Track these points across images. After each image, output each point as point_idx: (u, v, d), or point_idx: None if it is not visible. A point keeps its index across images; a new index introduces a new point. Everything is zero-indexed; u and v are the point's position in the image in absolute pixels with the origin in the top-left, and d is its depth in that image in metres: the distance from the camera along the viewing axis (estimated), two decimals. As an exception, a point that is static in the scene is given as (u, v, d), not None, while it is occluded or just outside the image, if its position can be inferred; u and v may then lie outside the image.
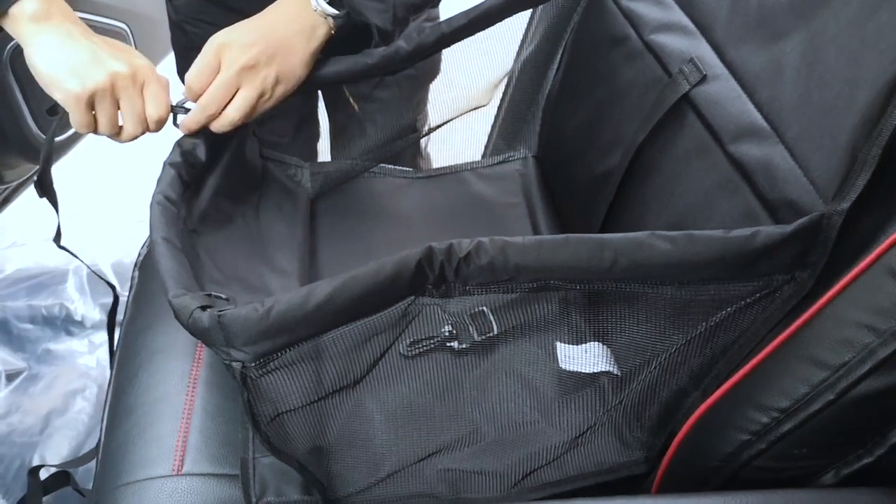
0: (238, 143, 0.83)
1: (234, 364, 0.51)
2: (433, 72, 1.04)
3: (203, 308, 0.51)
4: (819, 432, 0.55)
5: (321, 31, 0.76)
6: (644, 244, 0.54)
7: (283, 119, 1.00)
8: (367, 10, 0.76)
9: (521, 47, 0.96)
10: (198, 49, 0.75)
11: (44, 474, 0.94)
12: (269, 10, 0.76)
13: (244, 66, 0.72)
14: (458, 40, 0.82)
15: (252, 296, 0.65)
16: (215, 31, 0.86)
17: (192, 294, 0.52)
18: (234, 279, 0.73)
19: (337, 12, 0.75)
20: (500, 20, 0.81)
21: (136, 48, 1.25)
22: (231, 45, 0.73)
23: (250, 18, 0.76)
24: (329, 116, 1.10)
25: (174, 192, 0.70)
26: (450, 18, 0.80)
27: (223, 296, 0.53)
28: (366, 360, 0.60)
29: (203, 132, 0.75)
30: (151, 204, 0.68)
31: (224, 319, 0.49)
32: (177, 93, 0.76)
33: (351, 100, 1.00)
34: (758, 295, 0.57)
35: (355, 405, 0.67)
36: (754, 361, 0.57)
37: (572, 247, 0.54)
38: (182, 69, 1.04)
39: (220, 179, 0.79)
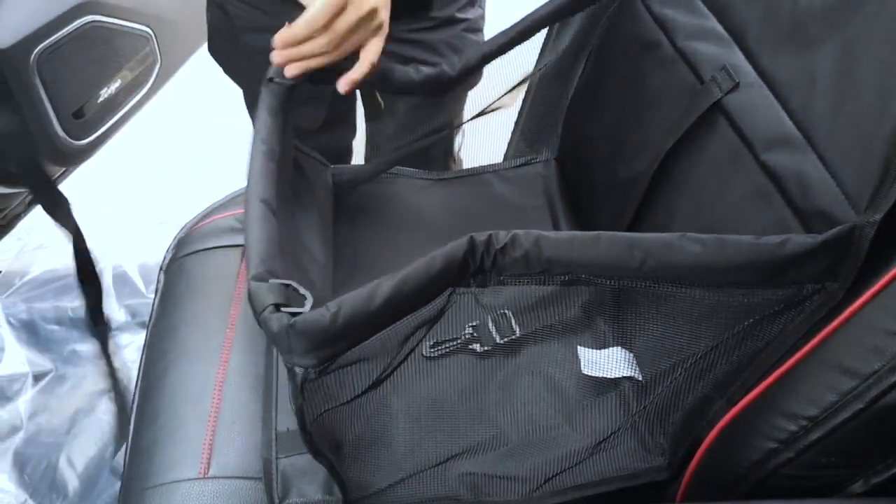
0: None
1: (296, 369, 0.52)
2: (474, 79, 1.04)
3: (277, 307, 0.51)
4: (848, 441, 0.55)
5: None
6: (674, 245, 0.54)
7: (317, 104, 1.00)
8: None
9: (543, 50, 0.96)
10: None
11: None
12: None
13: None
14: (499, 56, 0.84)
15: (299, 275, 0.64)
16: (253, 13, 0.86)
17: (271, 284, 0.52)
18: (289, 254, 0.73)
19: None
20: (537, 33, 0.83)
21: (159, 52, 1.26)
22: None
23: None
24: (366, 119, 1.11)
25: (276, 143, 0.69)
26: (491, 39, 0.83)
27: (301, 289, 0.52)
28: (400, 357, 0.60)
29: None
30: (253, 153, 0.67)
31: (292, 329, 0.49)
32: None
33: (378, 97, 1.00)
34: (787, 303, 0.56)
35: (380, 405, 0.68)
36: (782, 369, 0.57)
37: (603, 243, 0.54)
38: (217, 49, 1.05)
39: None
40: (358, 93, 1.07)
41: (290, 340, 0.50)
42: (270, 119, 0.71)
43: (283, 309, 0.51)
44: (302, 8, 0.67)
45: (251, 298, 0.52)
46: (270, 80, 0.73)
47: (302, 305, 0.51)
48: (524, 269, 0.55)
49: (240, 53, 1.00)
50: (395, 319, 0.54)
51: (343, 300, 0.50)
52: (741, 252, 0.54)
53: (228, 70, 1.07)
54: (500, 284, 0.56)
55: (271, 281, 0.53)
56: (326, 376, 0.53)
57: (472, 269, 0.55)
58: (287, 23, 0.68)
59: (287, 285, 0.53)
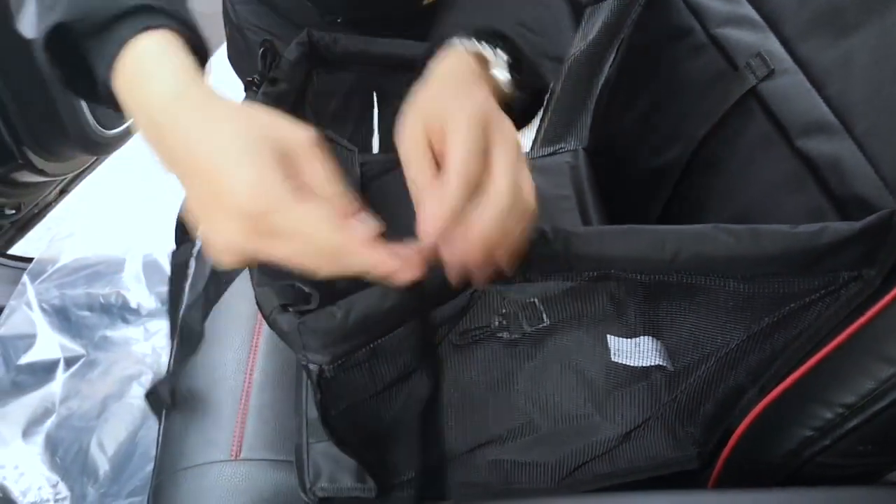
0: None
1: (310, 366, 0.52)
2: None
3: (284, 307, 0.51)
4: (885, 428, 0.54)
5: None
6: (707, 237, 0.53)
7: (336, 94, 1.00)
8: (545, 70, 0.59)
9: (573, 39, 0.95)
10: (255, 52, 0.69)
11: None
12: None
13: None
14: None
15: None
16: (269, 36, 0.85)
17: (275, 287, 0.52)
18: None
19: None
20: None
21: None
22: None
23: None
24: (379, 110, 1.11)
25: None
26: None
27: (306, 288, 0.52)
28: (425, 350, 0.60)
29: None
30: None
31: (303, 327, 0.49)
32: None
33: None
34: (823, 291, 0.56)
35: (409, 394, 0.68)
36: (818, 356, 0.57)
37: (633, 237, 0.53)
38: (236, 66, 1.06)
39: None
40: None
41: (302, 339, 0.50)
42: None
43: (290, 309, 0.50)
44: None
45: (258, 303, 0.52)
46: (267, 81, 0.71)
47: (309, 303, 0.51)
48: (552, 266, 0.54)
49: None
50: (412, 317, 0.53)
51: (354, 298, 0.50)
52: (777, 242, 0.53)
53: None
54: (527, 282, 0.55)
55: (275, 283, 0.53)
56: (345, 373, 0.53)
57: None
58: None
59: (291, 286, 0.53)
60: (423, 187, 0.48)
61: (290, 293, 0.52)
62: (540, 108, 0.63)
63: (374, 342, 0.53)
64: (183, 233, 0.90)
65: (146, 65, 0.47)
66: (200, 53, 0.51)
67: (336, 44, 0.78)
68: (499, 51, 0.54)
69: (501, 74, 0.54)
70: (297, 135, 0.46)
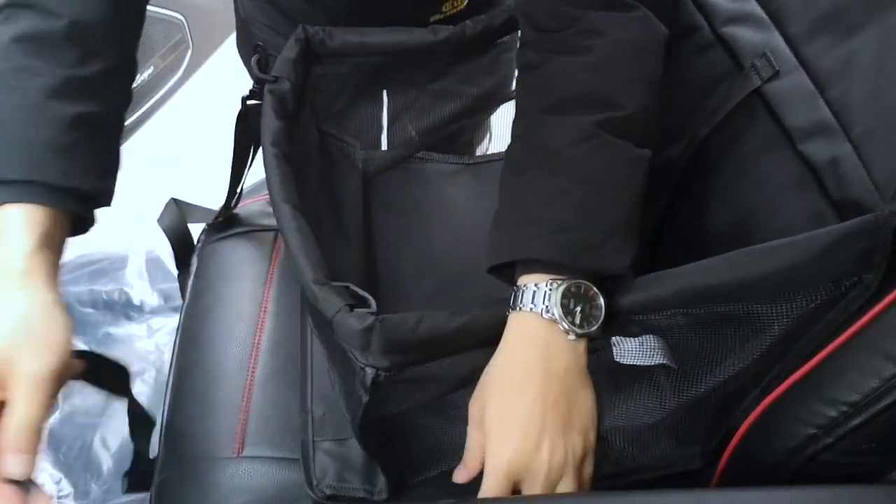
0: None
1: (367, 369, 0.52)
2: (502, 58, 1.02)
3: (350, 307, 0.51)
4: (889, 427, 0.54)
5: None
6: (706, 267, 0.55)
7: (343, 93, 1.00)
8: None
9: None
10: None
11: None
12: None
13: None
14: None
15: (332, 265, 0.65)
16: (274, 36, 0.84)
17: (337, 287, 0.52)
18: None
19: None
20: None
21: (191, 39, 1.27)
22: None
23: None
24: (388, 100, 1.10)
25: (286, 144, 0.68)
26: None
27: (362, 292, 0.53)
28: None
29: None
30: (266, 160, 0.66)
31: (379, 325, 0.49)
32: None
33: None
34: (825, 299, 0.55)
35: (443, 406, 0.68)
36: (822, 355, 0.57)
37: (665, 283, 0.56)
38: (247, 62, 1.06)
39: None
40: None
41: (371, 339, 0.50)
42: (276, 121, 0.70)
43: (356, 309, 0.51)
44: None
45: (319, 302, 0.53)
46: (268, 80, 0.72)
47: (369, 307, 0.51)
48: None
49: None
50: (467, 348, 0.54)
51: (425, 314, 0.51)
52: (781, 257, 0.53)
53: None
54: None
55: (333, 283, 0.53)
56: (397, 383, 0.54)
57: None
58: None
59: (346, 287, 0.53)
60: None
61: (349, 294, 0.52)
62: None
63: (433, 360, 0.53)
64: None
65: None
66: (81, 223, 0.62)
67: (332, 37, 0.78)
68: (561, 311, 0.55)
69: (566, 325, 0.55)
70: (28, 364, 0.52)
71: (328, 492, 0.69)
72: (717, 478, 0.67)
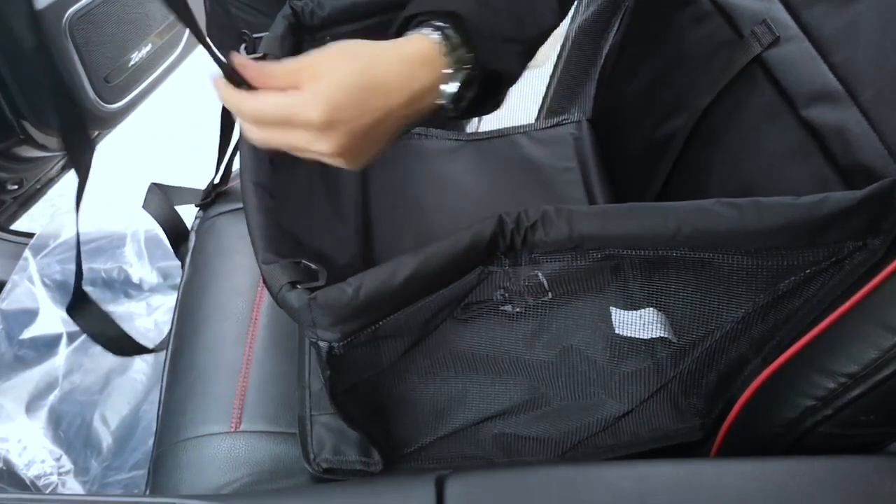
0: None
1: (320, 343, 0.51)
2: None
3: (293, 284, 0.50)
4: (888, 398, 0.54)
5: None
6: (709, 211, 0.52)
7: None
8: (502, 53, 0.60)
9: (577, 8, 0.94)
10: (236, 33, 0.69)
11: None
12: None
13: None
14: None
15: (319, 247, 0.64)
16: (260, 18, 0.83)
17: (282, 264, 0.52)
18: (310, 220, 0.73)
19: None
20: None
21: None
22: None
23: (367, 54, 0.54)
24: None
25: None
26: None
27: (313, 265, 0.52)
28: (429, 328, 0.60)
29: None
30: (240, 142, 0.64)
31: (314, 302, 0.49)
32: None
33: None
34: (827, 262, 0.55)
35: (413, 369, 0.68)
36: (821, 326, 0.56)
37: (636, 215, 0.53)
38: (221, 46, 1.05)
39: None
40: None
41: (312, 315, 0.49)
42: None
43: (299, 286, 0.50)
44: None
45: (265, 281, 0.52)
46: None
47: (317, 280, 0.51)
48: (557, 245, 0.54)
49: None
50: (420, 296, 0.53)
51: (364, 276, 0.50)
52: (779, 214, 0.52)
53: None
54: (533, 263, 0.55)
55: (282, 261, 0.52)
56: (354, 349, 0.53)
57: (503, 247, 0.54)
58: None
59: (297, 262, 0.52)
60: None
61: (297, 270, 0.52)
62: (503, 89, 0.63)
63: (383, 320, 0.52)
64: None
65: None
66: None
67: (321, 6, 0.77)
68: (450, 32, 0.55)
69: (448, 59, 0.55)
70: None
71: (325, 465, 0.69)
72: (715, 449, 0.67)
